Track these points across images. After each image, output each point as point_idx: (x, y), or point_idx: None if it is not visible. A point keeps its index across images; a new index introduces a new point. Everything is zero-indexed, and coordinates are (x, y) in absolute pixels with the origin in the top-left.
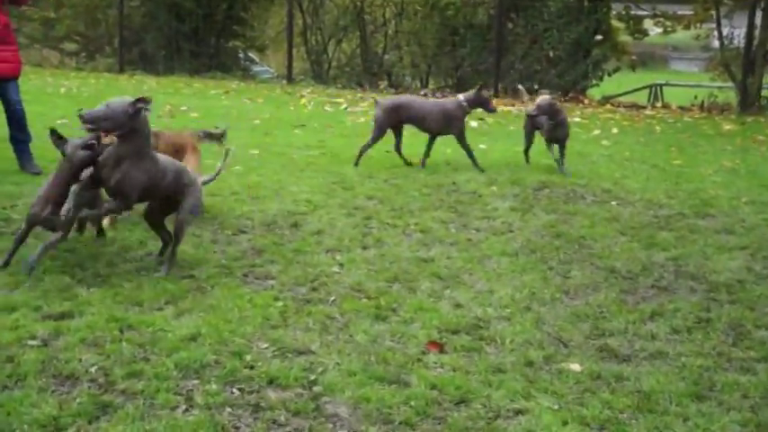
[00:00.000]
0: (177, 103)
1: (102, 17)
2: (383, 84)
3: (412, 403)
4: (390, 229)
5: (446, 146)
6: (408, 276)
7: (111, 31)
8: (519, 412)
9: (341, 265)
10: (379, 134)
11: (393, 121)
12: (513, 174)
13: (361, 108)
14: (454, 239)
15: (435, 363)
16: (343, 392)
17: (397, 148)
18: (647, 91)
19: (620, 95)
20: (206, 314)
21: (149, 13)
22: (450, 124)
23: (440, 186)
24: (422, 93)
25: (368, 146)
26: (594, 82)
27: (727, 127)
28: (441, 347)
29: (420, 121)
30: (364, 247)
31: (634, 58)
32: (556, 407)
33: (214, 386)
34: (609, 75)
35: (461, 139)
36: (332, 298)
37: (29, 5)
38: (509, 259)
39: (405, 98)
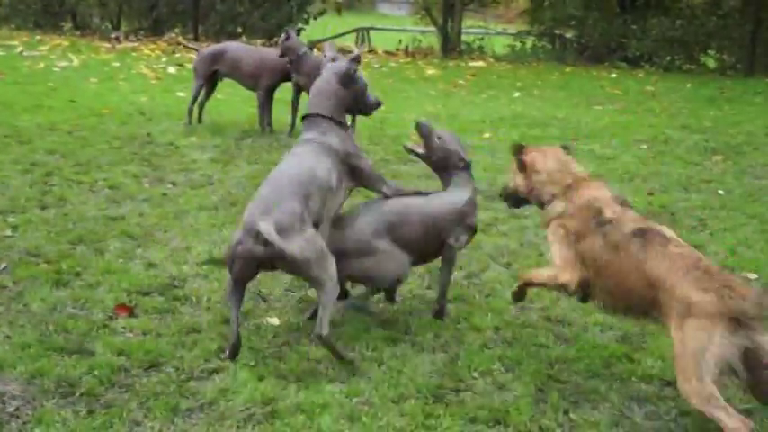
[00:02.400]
0: None
1: None
2: (67, 25)
3: (95, 372)
4: (75, 186)
5: (140, 94)
6: (95, 237)
7: None
8: (213, 372)
9: (14, 227)
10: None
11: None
12: (214, 123)
13: (40, 52)
14: (147, 195)
15: (124, 327)
16: (15, 368)
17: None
18: (354, 35)
19: (326, 39)
20: None
21: None
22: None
23: (132, 138)
24: (113, 36)
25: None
26: (300, 25)
27: (430, 72)
28: (130, 311)
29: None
30: (43, 207)
31: (339, 0)
32: (252, 363)
33: None
34: (314, 18)
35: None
36: (3, 265)
37: None
38: (207, 213)
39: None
